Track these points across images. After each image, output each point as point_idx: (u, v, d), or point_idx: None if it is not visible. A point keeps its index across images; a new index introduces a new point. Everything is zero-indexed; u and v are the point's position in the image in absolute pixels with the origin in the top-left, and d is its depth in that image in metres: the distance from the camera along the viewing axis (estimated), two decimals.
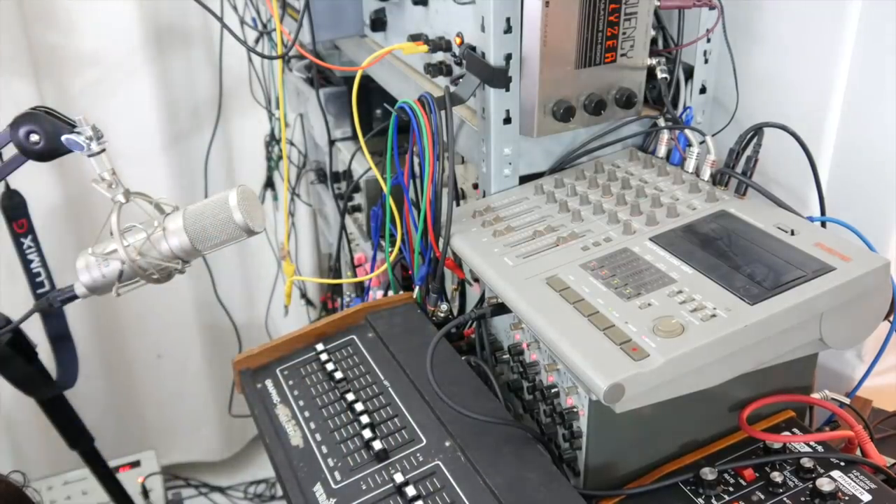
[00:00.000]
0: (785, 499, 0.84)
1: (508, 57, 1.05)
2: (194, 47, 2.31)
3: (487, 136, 1.10)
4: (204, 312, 2.54)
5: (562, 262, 0.96)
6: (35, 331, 1.38)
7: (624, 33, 1.08)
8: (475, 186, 1.31)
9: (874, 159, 1.08)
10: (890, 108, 1.04)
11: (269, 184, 2.38)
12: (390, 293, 1.32)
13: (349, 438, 0.96)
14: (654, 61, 1.15)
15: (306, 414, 1.02)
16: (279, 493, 2.50)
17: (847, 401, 0.98)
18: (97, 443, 1.62)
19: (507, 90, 1.06)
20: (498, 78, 1.05)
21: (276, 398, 1.07)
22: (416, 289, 1.17)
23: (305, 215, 2.47)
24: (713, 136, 1.12)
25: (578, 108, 1.09)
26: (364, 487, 0.89)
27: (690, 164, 1.11)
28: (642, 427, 0.88)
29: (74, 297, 1.10)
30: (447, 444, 0.91)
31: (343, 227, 1.63)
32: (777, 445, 0.90)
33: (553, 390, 0.93)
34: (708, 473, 0.86)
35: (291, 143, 2.20)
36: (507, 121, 1.09)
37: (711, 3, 1.14)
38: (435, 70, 1.19)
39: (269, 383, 1.10)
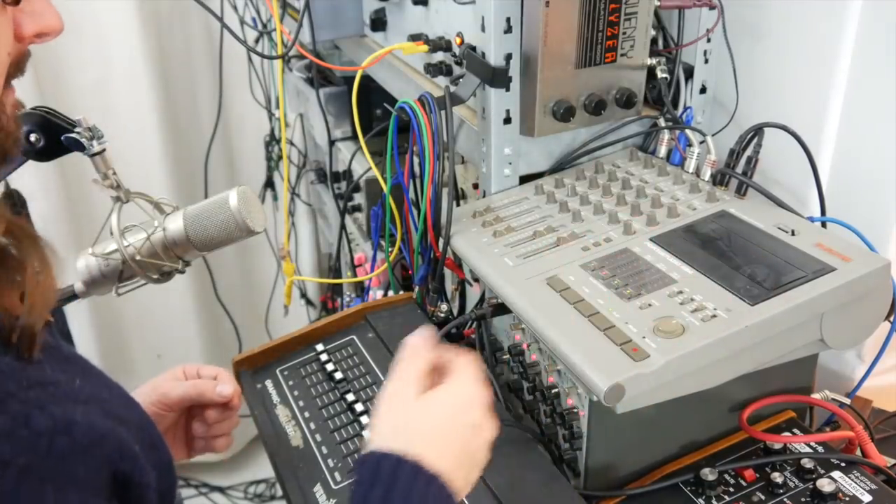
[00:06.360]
0: (785, 499, 0.84)
1: (508, 57, 1.04)
2: (194, 47, 2.30)
3: (487, 136, 1.10)
4: (204, 312, 2.53)
5: (562, 263, 0.96)
6: None
7: (624, 33, 1.08)
8: (475, 186, 1.31)
9: (874, 159, 1.07)
10: (890, 108, 1.03)
11: (269, 184, 2.38)
12: (390, 293, 1.32)
13: (349, 439, 0.96)
14: (654, 61, 1.15)
15: (306, 414, 1.02)
16: (279, 493, 2.49)
17: (847, 401, 0.98)
18: None
19: (507, 90, 1.06)
20: (498, 78, 1.05)
21: (276, 398, 1.07)
22: (416, 289, 1.17)
23: (305, 215, 2.46)
24: (713, 136, 1.12)
25: (578, 108, 1.09)
26: None
27: (691, 165, 1.11)
28: (643, 428, 0.88)
29: (74, 297, 1.10)
30: None
31: (343, 227, 1.63)
32: (777, 446, 0.90)
33: (553, 391, 0.93)
34: (708, 474, 0.86)
35: (291, 143, 2.20)
36: (507, 121, 1.09)
37: (711, 3, 1.14)
38: (435, 70, 1.19)
39: (269, 383, 1.10)
